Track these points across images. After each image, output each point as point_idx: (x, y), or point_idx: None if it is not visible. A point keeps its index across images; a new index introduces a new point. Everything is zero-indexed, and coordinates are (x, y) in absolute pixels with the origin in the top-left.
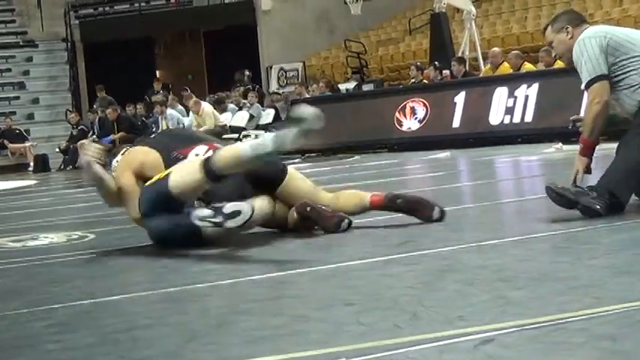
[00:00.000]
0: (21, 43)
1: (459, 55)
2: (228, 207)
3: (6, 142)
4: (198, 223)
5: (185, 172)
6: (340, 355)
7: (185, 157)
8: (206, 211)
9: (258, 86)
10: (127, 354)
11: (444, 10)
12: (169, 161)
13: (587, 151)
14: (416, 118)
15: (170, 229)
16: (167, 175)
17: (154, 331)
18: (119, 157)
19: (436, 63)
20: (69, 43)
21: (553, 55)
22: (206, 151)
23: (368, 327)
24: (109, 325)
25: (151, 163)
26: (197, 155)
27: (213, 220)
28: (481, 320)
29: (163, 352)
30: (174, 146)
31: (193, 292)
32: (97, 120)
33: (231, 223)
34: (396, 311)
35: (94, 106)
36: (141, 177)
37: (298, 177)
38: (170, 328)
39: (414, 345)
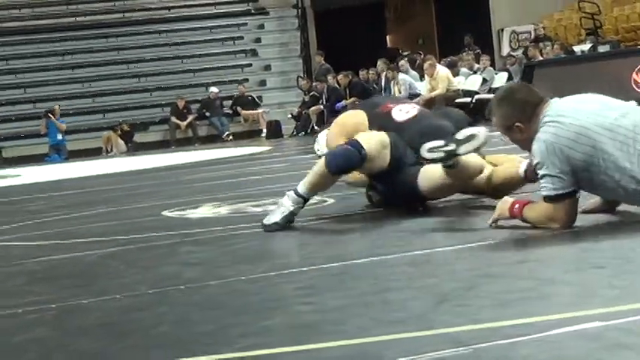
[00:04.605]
0: (252, 11)
1: None
2: (463, 132)
3: (239, 108)
4: (427, 155)
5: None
6: (593, 318)
7: (389, 111)
8: (436, 142)
9: None
10: (379, 316)
11: None
12: (372, 117)
13: None
14: None
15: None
16: None
17: (404, 293)
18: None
19: None
20: (300, 10)
21: None
22: (409, 110)
23: (621, 290)
24: (357, 287)
25: (359, 122)
26: (400, 110)
27: (444, 148)
28: None
29: (415, 314)
30: (379, 103)
31: (439, 255)
32: (325, 88)
33: (464, 148)
34: None
35: (317, 75)
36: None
37: None
38: (420, 291)
39: None
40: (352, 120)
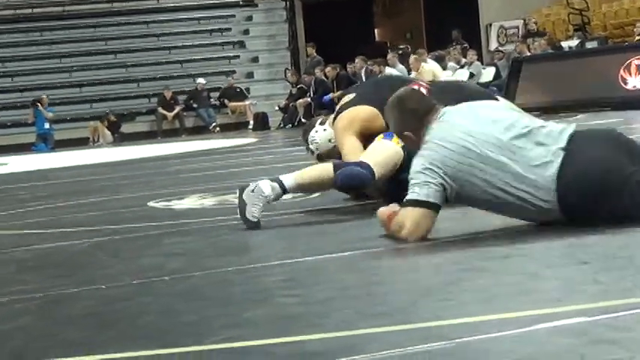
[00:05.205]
0: (241, 3)
1: None
2: None
3: (226, 100)
4: None
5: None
6: (577, 314)
7: None
8: None
9: None
10: (363, 309)
11: None
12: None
13: None
14: None
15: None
16: None
17: (389, 286)
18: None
19: None
20: (288, 2)
21: None
22: None
23: (605, 286)
24: (342, 280)
25: (370, 117)
26: None
27: None
28: None
29: (398, 308)
30: (386, 96)
31: (423, 249)
32: (313, 81)
33: None
34: (633, 271)
35: (308, 67)
36: (363, 136)
37: None
38: (404, 285)
39: None
40: (361, 115)
